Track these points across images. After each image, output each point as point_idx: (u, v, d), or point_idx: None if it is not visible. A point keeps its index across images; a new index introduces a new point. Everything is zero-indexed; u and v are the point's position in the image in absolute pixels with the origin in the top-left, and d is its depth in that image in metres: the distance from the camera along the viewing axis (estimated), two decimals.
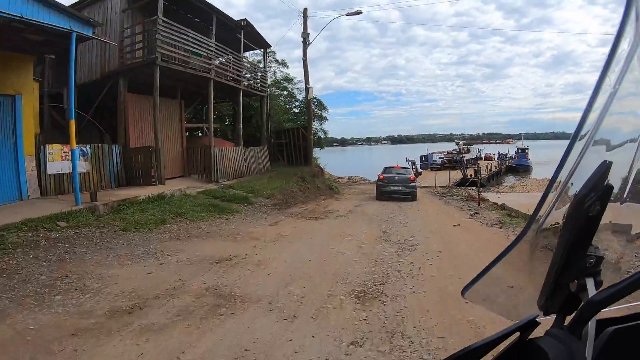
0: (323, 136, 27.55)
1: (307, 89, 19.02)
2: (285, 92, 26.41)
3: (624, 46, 0.57)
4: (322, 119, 26.95)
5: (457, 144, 53.68)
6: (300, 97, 26.44)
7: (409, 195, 14.96)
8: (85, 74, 12.30)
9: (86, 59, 12.21)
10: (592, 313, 0.57)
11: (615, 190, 0.59)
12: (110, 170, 11.33)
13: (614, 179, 0.58)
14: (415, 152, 48.93)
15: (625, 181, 0.63)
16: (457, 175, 30.39)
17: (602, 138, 0.60)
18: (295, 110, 26.72)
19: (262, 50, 19.54)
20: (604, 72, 0.57)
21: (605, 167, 0.57)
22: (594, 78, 0.59)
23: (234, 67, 15.92)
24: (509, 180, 36.24)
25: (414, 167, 33.51)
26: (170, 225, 8.19)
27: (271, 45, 19.50)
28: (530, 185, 24.94)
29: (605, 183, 0.57)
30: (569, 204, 0.60)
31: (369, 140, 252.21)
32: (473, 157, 45.22)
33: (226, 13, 15.14)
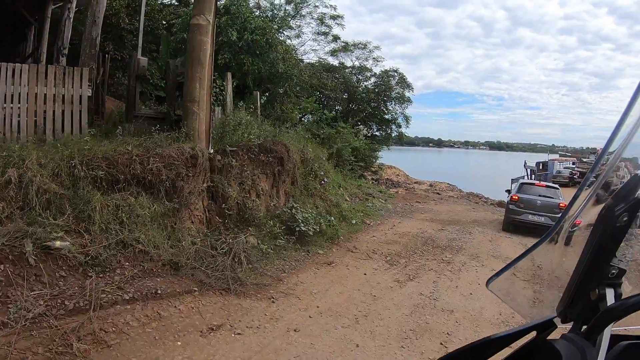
0: (404, 125, 19.39)
1: None
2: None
3: None
4: (404, 100, 19.11)
5: (595, 151, 34.46)
6: (377, 69, 18.79)
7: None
8: None
9: None
10: (608, 321, 0.60)
11: None
12: None
13: None
14: (514, 160, 37.59)
15: None
16: None
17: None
18: (366, 83, 18.94)
19: None
20: None
21: (637, 180, 0.59)
22: None
23: None
24: None
25: (532, 177, 23.53)
26: None
27: None
28: None
29: (636, 195, 0.58)
30: (599, 211, 0.60)
31: (466, 144, 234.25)
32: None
33: None
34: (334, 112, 16.86)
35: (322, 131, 14.44)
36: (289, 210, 6.99)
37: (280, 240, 6.40)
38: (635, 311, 0.57)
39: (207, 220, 5.88)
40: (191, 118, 6.08)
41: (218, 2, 8.05)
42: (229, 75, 8.81)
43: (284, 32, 15.40)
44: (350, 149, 14.76)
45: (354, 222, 8.70)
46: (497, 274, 0.77)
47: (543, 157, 33.87)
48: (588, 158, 31.35)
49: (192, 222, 5.59)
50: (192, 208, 5.54)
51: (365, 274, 5.92)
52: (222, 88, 8.91)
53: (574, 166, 30.45)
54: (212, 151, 6.14)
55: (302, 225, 6.79)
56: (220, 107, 8.49)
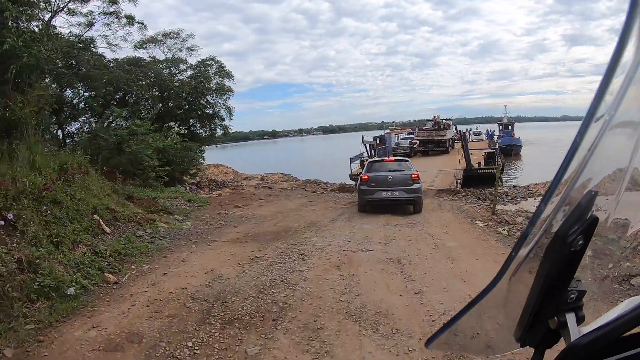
0: (227, 117, 17.75)
1: None
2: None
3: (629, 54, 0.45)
4: (225, 91, 17.54)
5: (433, 118, 32.86)
6: (192, 60, 17.14)
7: (412, 203, 9.49)
8: None
9: None
10: (575, 359, 0.52)
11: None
12: None
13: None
14: (349, 140, 38.93)
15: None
16: (446, 162, 19.15)
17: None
18: (181, 76, 17.12)
19: None
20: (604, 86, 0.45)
21: (590, 197, 0.52)
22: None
23: None
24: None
25: (372, 153, 21.99)
26: None
27: None
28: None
29: (589, 215, 0.52)
30: (550, 238, 0.53)
31: (300, 132, 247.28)
32: (453, 137, 30.22)
33: None
34: (150, 114, 15.77)
35: (113, 133, 11.96)
36: None
37: None
38: (604, 343, 0.50)
39: None
40: None
41: None
42: None
43: (64, 16, 11.99)
44: (150, 151, 11.75)
45: (69, 292, 4.20)
46: (439, 332, 0.65)
47: (374, 134, 34.78)
48: (426, 125, 32.50)
49: None
50: None
51: None
52: None
53: (411, 136, 31.29)
54: None
55: None
56: None
